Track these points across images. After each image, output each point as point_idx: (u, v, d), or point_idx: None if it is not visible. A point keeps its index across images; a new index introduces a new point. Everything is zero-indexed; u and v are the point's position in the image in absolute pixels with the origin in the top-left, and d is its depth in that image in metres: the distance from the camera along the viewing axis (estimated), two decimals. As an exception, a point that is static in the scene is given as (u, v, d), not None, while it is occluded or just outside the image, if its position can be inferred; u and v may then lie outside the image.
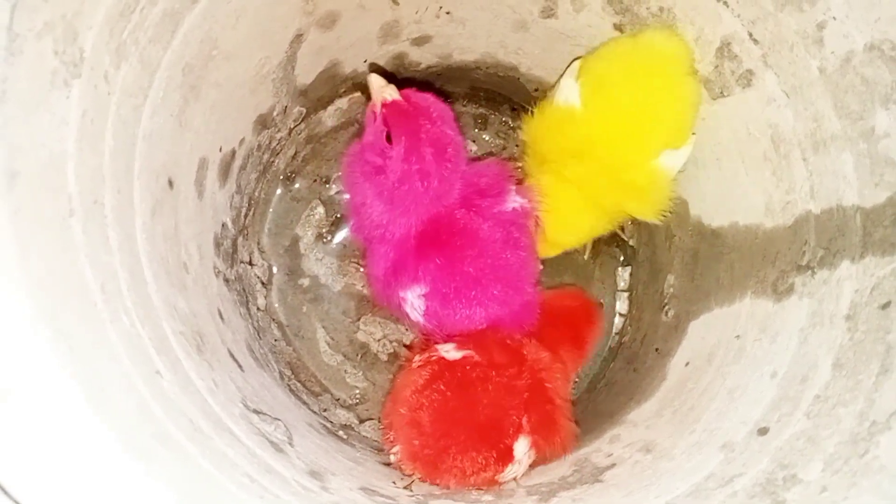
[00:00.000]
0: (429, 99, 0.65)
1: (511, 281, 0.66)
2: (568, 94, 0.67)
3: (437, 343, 0.65)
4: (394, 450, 0.62)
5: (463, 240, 0.65)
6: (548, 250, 0.73)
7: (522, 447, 0.60)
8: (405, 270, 0.65)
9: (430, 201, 0.64)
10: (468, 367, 0.62)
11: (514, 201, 0.68)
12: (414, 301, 0.65)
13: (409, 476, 0.61)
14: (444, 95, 0.82)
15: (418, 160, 0.62)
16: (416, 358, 0.65)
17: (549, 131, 0.69)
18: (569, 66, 0.69)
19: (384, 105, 0.63)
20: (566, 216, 0.69)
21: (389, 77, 0.68)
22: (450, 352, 0.63)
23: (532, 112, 0.71)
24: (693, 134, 0.66)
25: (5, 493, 0.30)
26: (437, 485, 0.60)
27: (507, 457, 0.60)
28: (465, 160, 0.67)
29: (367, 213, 0.66)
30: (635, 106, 0.64)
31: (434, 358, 0.63)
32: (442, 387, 0.61)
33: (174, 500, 0.35)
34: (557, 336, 0.70)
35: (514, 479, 0.61)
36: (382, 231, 0.66)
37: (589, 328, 0.73)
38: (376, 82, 0.64)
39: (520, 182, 0.71)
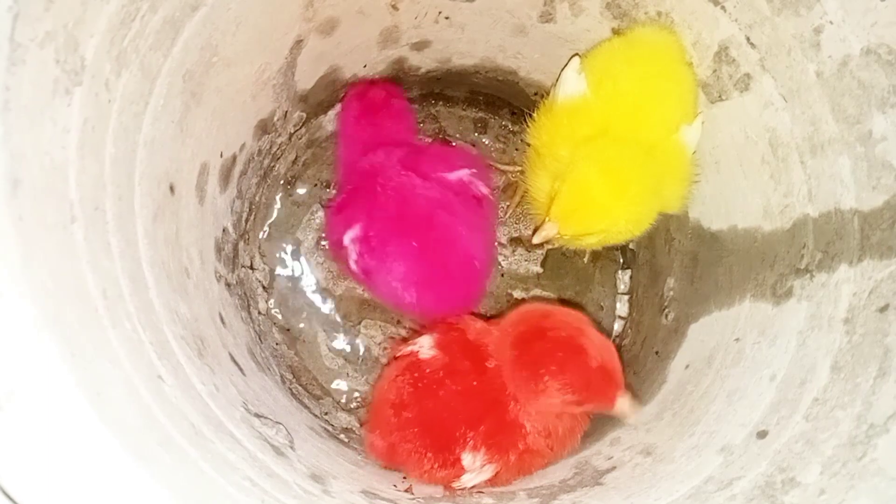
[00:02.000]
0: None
1: (439, 244, 0.68)
2: (574, 84, 0.67)
3: (420, 334, 0.66)
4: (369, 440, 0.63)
5: (399, 193, 0.68)
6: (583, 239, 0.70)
7: (470, 459, 0.58)
8: (345, 213, 0.69)
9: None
10: (429, 370, 0.61)
11: (462, 175, 0.70)
12: (350, 247, 0.68)
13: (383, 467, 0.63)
14: (444, 100, 0.84)
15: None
16: (400, 349, 0.66)
17: (559, 125, 0.68)
18: (568, 61, 0.69)
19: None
20: (594, 199, 0.65)
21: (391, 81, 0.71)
22: (423, 349, 0.63)
23: (534, 115, 0.71)
24: (700, 112, 0.66)
25: (7, 496, 0.30)
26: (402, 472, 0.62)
27: (456, 465, 0.58)
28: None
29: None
30: (641, 89, 0.65)
31: (409, 352, 0.64)
32: (406, 384, 0.61)
33: (176, 503, 0.35)
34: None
35: (472, 488, 0.60)
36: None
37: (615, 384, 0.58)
38: None
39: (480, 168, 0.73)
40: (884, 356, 0.47)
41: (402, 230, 0.67)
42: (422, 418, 0.60)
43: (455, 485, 0.60)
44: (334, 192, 0.77)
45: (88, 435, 0.35)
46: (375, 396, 0.64)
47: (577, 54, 0.69)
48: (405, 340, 0.68)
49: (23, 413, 0.33)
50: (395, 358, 0.66)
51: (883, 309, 0.49)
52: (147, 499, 0.35)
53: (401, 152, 0.71)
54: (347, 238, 0.68)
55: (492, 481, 0.60)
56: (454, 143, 0.82)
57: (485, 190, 0.72)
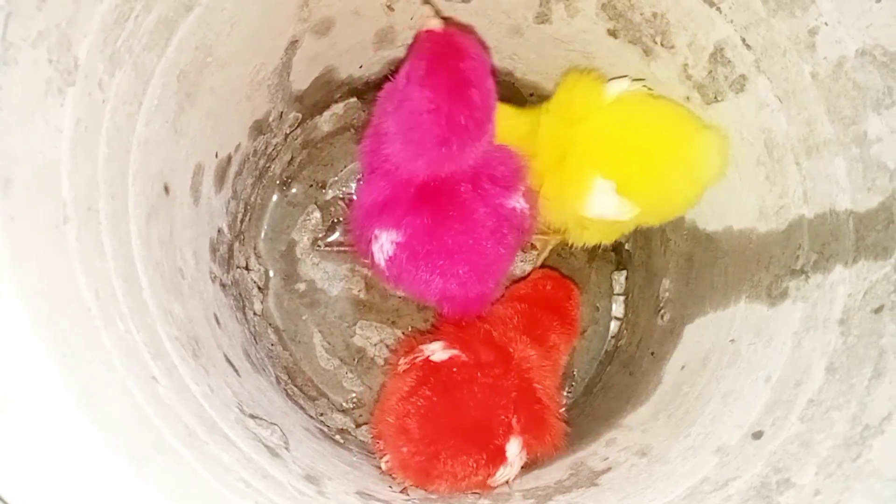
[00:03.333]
0: (470, 40, 0.65)
1: (479, 268, 0.66)
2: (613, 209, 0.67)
3: (424, 342, 0.65)
4: (384, 459, 0.61)
5: (456, 212, 0.65)
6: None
7: (514, 448, 0.60)
8: (392, 212, 0.64)
9: (440, 143, 0.62)
10: (455, 369, 0.61)
11: (518, 201, 0.68)
12: (385, 243, 0.65)
13: (401, 484, 0.61)
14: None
15: (432, 90, 0.61)
16: (401, 361, 0.65)
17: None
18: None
19: (423, 34, 0.64)
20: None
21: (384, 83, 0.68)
22: (436, 352, 0.63)
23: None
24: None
25: (3, 501, 0.30)
26: (429, 491, 0.60)
27: (498, 458, 0.59)
28: (486, 119, 0.65)
29: (383, 142, 0.65)
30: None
31: (419, 360, 0.63)
32: (428, 392, 0.60)
33: (168, 506, 0.35)
34: (547, 321, 0.69)
35: (507, 482, 0.61)
36: (389, 165, 0.65)
37: (572, 304, 0.72)
38: (427, 12, 0.66)
39: (529, 185, 0.70)
40: (879, 357, 0.47)
41: (446, 252, 0.65)
42: (456, 423, 0.59)
43: (491, 482, 0.60)
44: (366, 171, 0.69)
45: (80, 437, 0.34)
46: (390, 415, 0.61)
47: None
48: (407, 350, 0.67)
49: (13, 415, 0.33)
50: (402, 370, 0.64)
51: (878, 310, 0.49)
52: (140, 501, 0.35)
53: (471, 167, 0.66)
54: (386, 238, 0.65)
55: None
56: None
57: (528, 211, 0.69)
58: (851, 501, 0.42)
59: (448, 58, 0.62)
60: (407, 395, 0.61)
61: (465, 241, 0.65)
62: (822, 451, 0.46)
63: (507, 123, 0.69)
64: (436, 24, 0.64)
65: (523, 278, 0.77)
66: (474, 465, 0.58)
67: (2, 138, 0.36)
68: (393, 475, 0.60)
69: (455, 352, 0.62)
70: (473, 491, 0.60)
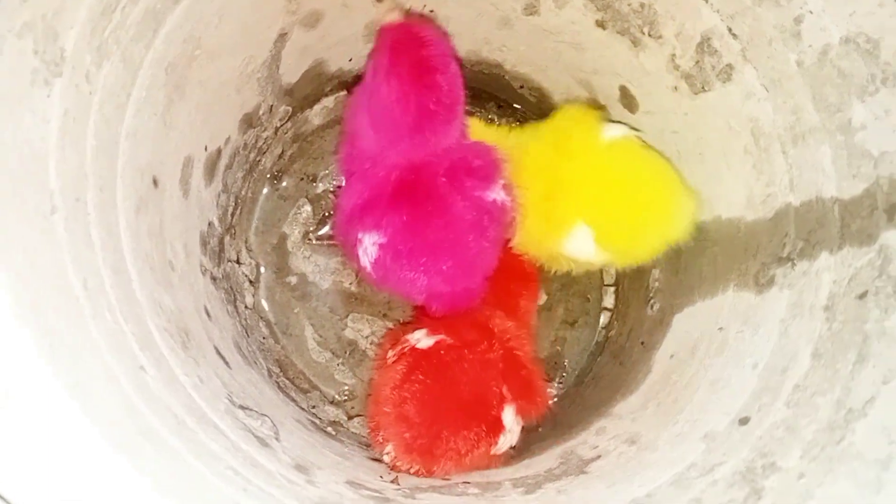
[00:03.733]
0: (428, 28, 0.65)
1: (463, 263, 0.66)
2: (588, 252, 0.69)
3: (407, 332, 0.66)
4: (386, 450, 0.62)
5: (435, 207, 0.65)
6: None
7: (510, 415, 0.62)
8: (372, 213, 0.65)
9: (412, 131, 0.63)
10: (442, 352, 0.63)
11: (497, 194, 0.68)
12: (368, 246, 0.65)
13: (407, 472, 0.62)
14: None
15: (397, 79, 0.62)
16: (390, 353, 0.65)
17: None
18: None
19: (384, 27, 0.65)
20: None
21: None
22: (421, 340, 0.64)
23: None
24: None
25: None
26: (435, 474, 0.61)
27: (497, 427, 0.61)
28: (454, 106, 0.65)
29: (356, 143, 0.67)
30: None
31: (406, 349, 0.64)
32: (421, 376, 0.61)
33: (157, 493, 0.35)
34: (512, 289, 0.72)
35: (511, 447, 0.63)
36: (366, 165, 0.66)
37: (528, 266, 0.74)
38: (384, 6, 0.66)
39: (507, 179, 0.70)
40: (863, 342, 0.48)
41: (429, 249, 0.65)
42: (452, 401, 0.61)
43: (494, 451, 0.62)
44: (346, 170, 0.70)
45: (67, 425, 0.35)
46: (387, 405, 0.62)
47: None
48: (392, 342, 0.67)
49: (1, 403, 0.33)
50: (391, 362, 0.65)
51: (862, 296, 0.49)
52: (128, 488, 0.35)
53: (447, 161, 0.66)
54: (369, 240, 0.65)
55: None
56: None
57: (508, 202, 0.69)
58: (835, 484, 0.42)
59: (409, 47, 0.63)
60: (400, 383, 0.62)
61: (446, 236, 0.65)
62: (806, 435, 0.46)
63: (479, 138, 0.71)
64: (394, 17, 0.65)
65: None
66: (475, 438, 0.60)
67: (-13, 128, 0.36)
68: (398, 464, 0.61)
69: (439, 336, 0.64)
70: (478, 467, 0.62)
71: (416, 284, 0.66)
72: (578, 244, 0.68)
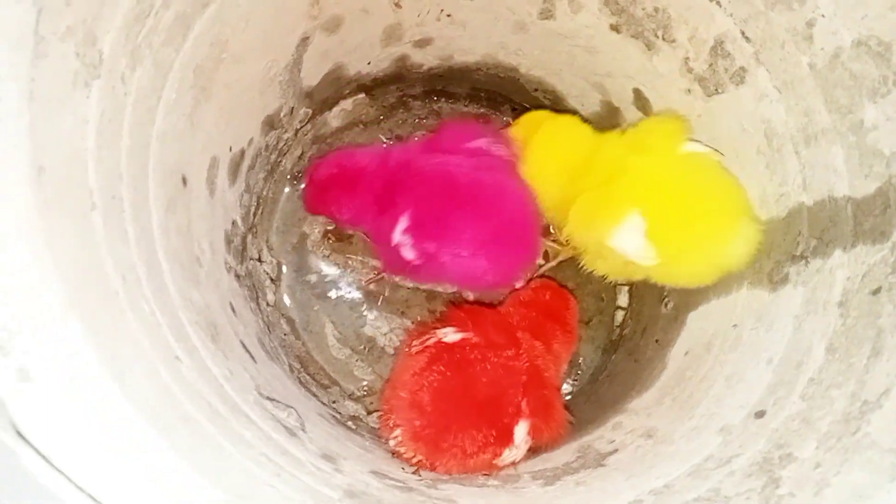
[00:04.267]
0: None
1: (491, 201, 0.68)
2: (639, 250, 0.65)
3: (436, 328, 0.67)
4: (394, 434, 0.62)
5: (432, 173, 0.68)
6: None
7: (522, 431, 0.61)
8: (388, 213, 0.68)
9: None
10: (467, 348, 0.63)
11: (481, 143, 0.71)
12: (404, 240, 0.67)
13: (410, 460, 0.62)
14: (446, 96, 0.85)
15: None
16: (415, 343, 0.66)
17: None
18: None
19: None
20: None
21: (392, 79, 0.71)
22: (448, 334, 0.65)
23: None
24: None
25: (46, 460, 0.31)
26: (436, 468, 0.61)
27: (505, 438, 0.61)
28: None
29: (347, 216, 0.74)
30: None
31: (432, 342, 0.65)
32: (441, 367, 0.62)
33: (198, 475, 0.37)
34: (549, 328, 0.70)
35: (513, 463, 0.62)
36: (369, 215, 0.71)
37: (571, 314, 0.73)
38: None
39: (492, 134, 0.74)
40: (877, 336, 0.49)
41: (452, 202, 0.66)
42: (467, 398, 0.61)
43: (497, 462, 0.61)
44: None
45: (113, 407, 0.36)
46: (403, 390, 0.63)
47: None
48: (419, 333, 0.68)
49: (52, 384, 0.34)
50: (415, 352, 0.65)
51: (875, 291, 0.50)
52: (168, 467, 0.37)
53: (415, 146, 0.72)
54: (398, 233, 0.67)
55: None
56: (458, 120, 0.82)
57: (505, 151, 0.72)
58: (851, 472, 0.43)
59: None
60: (420, 371, 0.62)
61: (455, 194, 0.67)
62: (822, 426, 0.48)
63: (569, 134, 0.72)
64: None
65: (523, 287, 0.77)
66: (483, 442, 0.60)
67: (35, 128, 0.38)
68: (402, 451, 0.62)
69: (468, 334, 0.64)
70: (481, 472, 0.62)
71: (464, 247, 0.67)
72: (629, 235, 0.64)
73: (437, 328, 0.66)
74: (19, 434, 0.31)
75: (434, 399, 0.61)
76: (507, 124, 0.80)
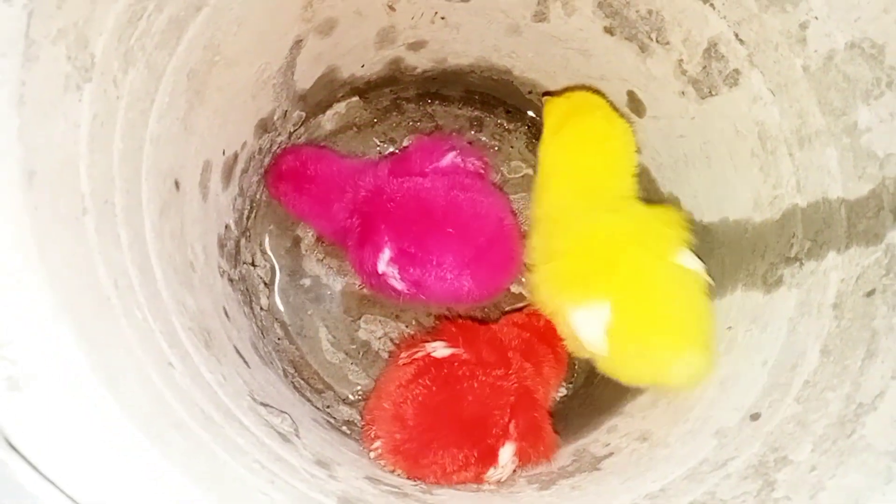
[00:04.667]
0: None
1: (469, 220, 0.68)
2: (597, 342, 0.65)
3: (426, 341, 0.66)
4: (374, 445, 0.61)
5: (408, 198, 0.69)
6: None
7: (507, 453, 0.60)
8: (369, 244, 0.69)
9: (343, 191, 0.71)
10: (455, 364, 0.62)
11: (451, 158, 0.72)
12: (389, 270, 0.68)
13: (391, 471, 0.61)
14: (440, 99, 0.85)
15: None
16: (403, 355, 0.65)
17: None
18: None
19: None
20: None
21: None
22: (438, 349, 0.64)
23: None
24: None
25: (37, 470, 0.31)
26: (417, 480, 0.60)
27: (489, 459, 0.59)
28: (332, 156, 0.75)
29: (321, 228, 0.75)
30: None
31: (420, 355, 0.64)
32: (428, 382, 0.60)
33: (191, 483, 0.37)
34: (542, 352, 0.68)
35: (498, 482, 0.61)
36: (340, 231, 0.72)
37: (560, 342, 0.70)
38: None
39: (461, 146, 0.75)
40: (871, 339, 0.49)
41: (432, 227, 0.67)
42: (452, 415, 0.60)
43: (485, 477, 0.60)
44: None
45: (104, 415, 0.36)
46: (386, 401, 0.62)
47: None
48: (409, 346, 0.67)
49: (43, 393, 0.34)
50: (402, 364, 0.64)
51: (870, 294, 0.50)
52: (161, 477, 0.36)
53: (384, 166, 0.72)
54: (382, 264, 0.68)
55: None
56: (423, 135, 0.83)
57: (477, 163, 0.73)
58: (846, 475, 0.43)
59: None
60: (406, 384, 0.61)
61: (437, 208, 0.68)
62: (817, 429, 0.48)
63: (610, 135, 0.70)
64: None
65: (516, 310, 0.77)
66: (464, 461, 0.58)
67: (26, 132, 0.38)
68: (383, 462, 0.61)
69: (457, 350, 0.63)
70: (465, 484, 0.61)
71: (448, 269, 0.68)
72: (590, 322, 0.64)
73: (427, 341, 0.65)
74: (9, 444, 0.31)
75: (417, 413, 0.59)
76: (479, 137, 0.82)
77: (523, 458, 0.61)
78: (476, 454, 0.59)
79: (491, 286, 0.71)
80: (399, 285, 0.69)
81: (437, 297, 0.71)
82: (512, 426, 0.61)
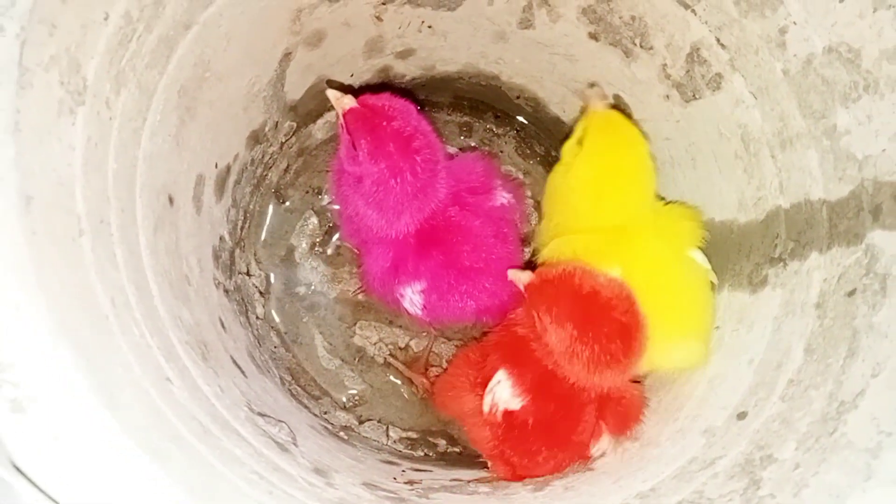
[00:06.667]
0: (385, 98, 0.65)
1: (500, 272, 0.68)
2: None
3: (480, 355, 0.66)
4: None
5: (459, 236, 0.68)
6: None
7: (604, 441, 0.62)
8: (405, 268, 0.68)
9: (414, 195, 0.64)
10: (532, 409, 0.62)
11: (501, 197, 0.71)
12: (413, 297, 0.69)
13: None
14: (430, 105, 0.86)
15: (383, 158, 0.62)
16: (486, 400, 0.63)
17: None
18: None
19: (344, 114, 0.63)
20: None
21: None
22: (507, 400, 0.62)
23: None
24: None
25: (41, 490, 0.32)
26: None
27: (587, 450, 0.62)
28: (438, 149, 0.67)
29: (362, 221, 0.67)
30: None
31: (497, 412, 0.63)
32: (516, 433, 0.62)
33: (189, 498, 0.38)
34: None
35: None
36: (380, 233, 0.67)
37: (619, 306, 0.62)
38: (332, 95, 0.64)
39: (504, 177, 0.75)
40: (852, 337, 0.50)
41: (470, 272, 0.68)
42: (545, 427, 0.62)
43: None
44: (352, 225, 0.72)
45: (105, 434, 0.37)
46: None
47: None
48: (478, 380, 0.66)
49: (44, 415, 0.35)
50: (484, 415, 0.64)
51: (851, 293, 0.51)
52: (160, 492, 0.37)
53: (450, 190, 0.68)
54: (411, 291, 0.68)
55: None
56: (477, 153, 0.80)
57: (513, 200, 0.73)
58: (828, 473, 0.44)
59: (381, 125, 0.63)
60: (496, 441, 0.63)
61: (479, 257, 0.68)
62: (801, 427, 0.49)
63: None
64: (348, 102, 0.63)
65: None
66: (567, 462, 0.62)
67: (22, 158, 0.39)
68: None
69: (523, 398, 0.62)
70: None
71: (466, 310, 0.69)
72: None
73: (485, 363, 0.65)
74: (14, 466, 0.32)
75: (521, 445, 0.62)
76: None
77: (620, 434, 0.63)
78: (575, 454, 0.62)
79: (494, 313, 0.72)
80: (413, 310, 0.70)
81: (441, 320, 0.73)
82: (604, 426, 0.63)
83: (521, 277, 0.62)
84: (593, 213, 0.67)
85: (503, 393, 0.62)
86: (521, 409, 0.61)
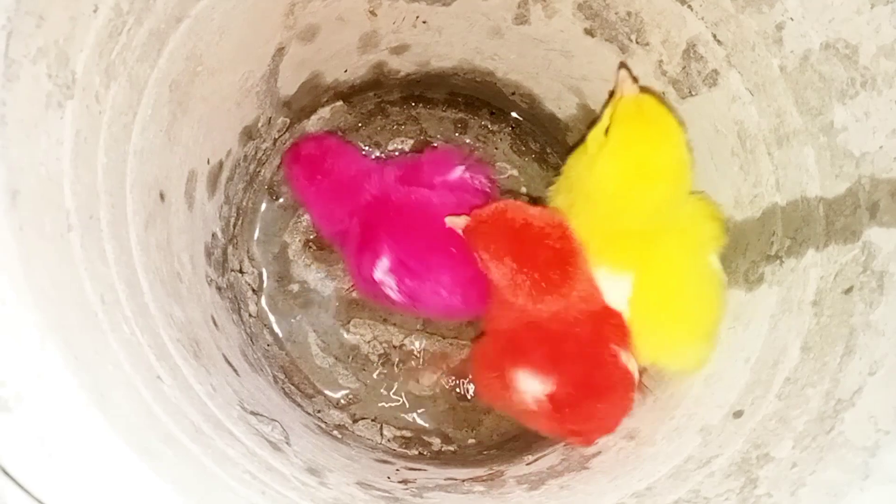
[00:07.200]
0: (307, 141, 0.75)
1: (464, 241, 0.68)
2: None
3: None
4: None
5: (414, 210, 0.69)
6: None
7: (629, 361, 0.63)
8: (368, 252, 0.69)
9: (342, 196, 0.71)
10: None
11: (461, 173, 0.72)
12: (386, 279, 0.69)
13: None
14: (424, 102, 0.86)
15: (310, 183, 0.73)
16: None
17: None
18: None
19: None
20: None
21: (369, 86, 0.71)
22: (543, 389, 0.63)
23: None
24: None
25: (27, 492, 0.31)
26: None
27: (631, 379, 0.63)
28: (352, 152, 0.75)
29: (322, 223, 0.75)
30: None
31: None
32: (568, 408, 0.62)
33: (181, 498, 0.37)
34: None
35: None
36: (340, 231, 0.72)
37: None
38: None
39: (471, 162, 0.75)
40: (849, 335, 0.50)
41: (433, 242, 0.68)
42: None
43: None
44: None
45: (94, 433, 0.36)
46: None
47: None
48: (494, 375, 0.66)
49: (31, 414, 0.34)
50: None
51: (848, 291, 0.51)
52: (151, 493, 0.37)
53: (392, 172, 0.73)
54: (379, 272, 0.69)
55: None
56: (436, 145, 0.83)
57: (485, 181, 0.74)
58: (825, 471, 0.44)
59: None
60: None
61: (440, 225, 0.67)
62: (798, 425, 0.48)
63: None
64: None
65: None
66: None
67: (9, 152, 0.38)
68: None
69: (552, 378, 0.62)
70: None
71: (444, 287, 0.69)
72: (616, 283, 0.63)
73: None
74: (0, 467, 0.32)
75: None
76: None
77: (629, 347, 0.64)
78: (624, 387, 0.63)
79: (480, 308, 0.71)
80: (394, 294, 0.69)
81: (429, 309, 0.72)
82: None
83: (458, 222, 0.65)
84: (618, 217, 0.63)
85: (533, 386, 0.63)
86: (557, 387, 0.62)
